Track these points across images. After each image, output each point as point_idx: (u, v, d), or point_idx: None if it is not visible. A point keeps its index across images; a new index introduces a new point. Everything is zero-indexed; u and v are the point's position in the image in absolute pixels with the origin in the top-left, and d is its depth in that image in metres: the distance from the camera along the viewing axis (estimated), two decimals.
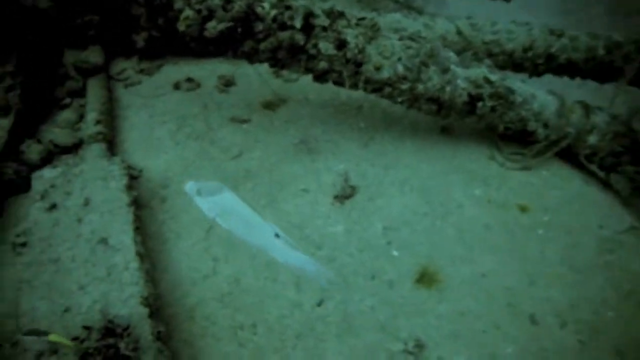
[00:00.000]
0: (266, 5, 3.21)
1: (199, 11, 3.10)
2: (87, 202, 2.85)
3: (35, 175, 3.03)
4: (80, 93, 4.09)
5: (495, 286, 3.14)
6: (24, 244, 2.84)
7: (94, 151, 3.37)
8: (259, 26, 3.21)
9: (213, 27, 3.09)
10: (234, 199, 1.87)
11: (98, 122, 3.63)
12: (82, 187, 2.94)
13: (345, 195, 3.60)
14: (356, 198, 3.62)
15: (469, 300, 3.03)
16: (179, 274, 2.91)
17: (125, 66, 4.56)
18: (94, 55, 4.35)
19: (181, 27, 3.05)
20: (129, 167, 3.40)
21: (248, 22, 3.18)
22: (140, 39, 4.38)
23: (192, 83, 4.34)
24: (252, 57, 3.40)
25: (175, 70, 4.58)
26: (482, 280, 3.16)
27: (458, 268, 3.21)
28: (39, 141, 3.48)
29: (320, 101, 4.48)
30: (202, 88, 4.38)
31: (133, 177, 3.38)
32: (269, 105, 4.31)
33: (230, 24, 3.11)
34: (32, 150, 3.39)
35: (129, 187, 3.00)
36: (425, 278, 3.16)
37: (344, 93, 4.47)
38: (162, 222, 3.21)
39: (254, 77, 4.51)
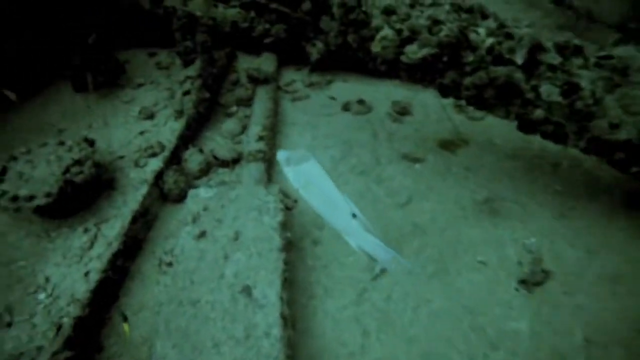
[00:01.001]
0: (482, 31, 2.54)
1: (399, 31, 2.57)
2: (236, 236, 2.51)
3: (192, 193, 2.81)
4: (248, 102, 3.89)
5: None
6: (170, 264, 2.63)
7: (252, 172, 3.08)
8: (469, 56, 2.56)
9: (413, 52, 2.53)
10: (318, 169, 1.79)
11: (260, 138, 3.35)
12: (235, 217, 2.62)
13: (534, 280, 2.77)
14: (548, 287, 2.77)
15: None
16: (322, 343, 2.41)
17: (295, 78, 4.29)
18: (267, 64, 4.14)
19: (376, 47, 2.56)
20: (284, 196, 3.04)
21: (456, 50, 2.55)
22: (315, 51, 4.05)
23: (363, 106, 3.86)
24: (449, 91, 2.77)
25: (346, 88, 4.16)
26: None
27: None
28: (201, 151, 3.30)
29: (508, 148, 3.67)
30: (374, 113, 3.88)
31: (287, 208, 3.01)
32: (448, 145, 3.63)
33: (435, 50, 2.52)
34: (194, 160, 3.23)
35: (283, 226, 2.59)
36: None
37: (538, 142, 3.58)
38: (311, 270, 2.76)
39: (434, 107, 3.89)
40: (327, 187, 1.77)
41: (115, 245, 2.64)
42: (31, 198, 2.77)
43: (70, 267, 2.72)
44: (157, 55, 4.59)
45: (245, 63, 4.38)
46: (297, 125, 3.76)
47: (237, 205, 2.69)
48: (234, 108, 3.86)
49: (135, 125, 3.66)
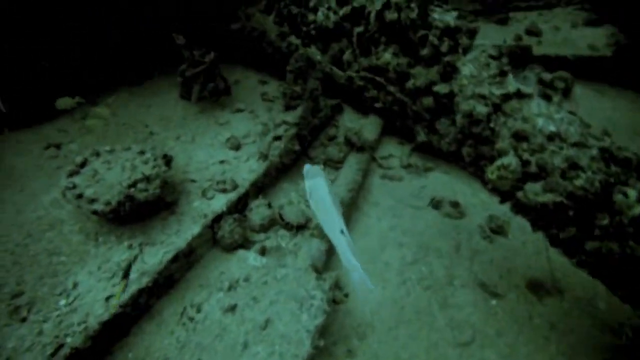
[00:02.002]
0: (633, 194, 2.04)
1: (525, 163, 2.16)
2: (265, 325, 2.22)
3: (241, 254, 2.60)
4: (337, 165, 3.64)
5: None
6: (191, 319, 2.41)
7: (312, 250, 2.79)
8: (604, 219, 2.06)
9: (534, 194, 2.10)
10: (323, 187, 2.04)
11: None
12: (273, 301, 2.34)
13: None
14: None
15: None
16: None
17: (394, 152, 3.97)
18: (370, 129, 3.88)
19: (491, 174, 2.16)
20: (337, 287, 2.71)
21: (590, 207, 2.07)
22: (422, 133, 3.70)
23: (455, 209, 3.43)
24: (562, 245, 2.28)
25: (444, 182, 3.75)
26: None
27: None
28: (269, 206, 3.09)
29: (613, 319, 3.01)
30: (465, 221, 3.42)
31: (335, 302, 2.68)
32: (537, 288, 3.07)
33: (562, 199, 2.07)
34: (259, 213, 3.02)
35: (320, 331, 2.26)
36: None
37: None
38: None
39: (534, 237, 3.33)
40: (326, 202, 2.00)
41: (145, 282, 2.47)
42: (92, 201, 2.73)
43: (99, 281, 2.61)
44: (267, 84, 4.55)
45: (349, 120, 4.16)
46: (379, 208, 3.42)
47: (281, 287, 2.41)
48: (321, 166, 3.62)
49: (219, 152, 3.57)
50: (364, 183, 3.57)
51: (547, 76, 3.13)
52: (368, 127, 3.93)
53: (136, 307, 2.46)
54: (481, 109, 2.20)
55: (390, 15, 2.27)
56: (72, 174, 2.88)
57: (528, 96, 2.20)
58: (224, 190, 3.16)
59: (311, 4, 2.48)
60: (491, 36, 5.31)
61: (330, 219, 1.95)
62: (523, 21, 6.27)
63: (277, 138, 3.35)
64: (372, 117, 4.10)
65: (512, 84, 2.19)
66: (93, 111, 3.61)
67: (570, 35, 5.62)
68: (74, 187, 2.79)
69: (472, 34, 2.36)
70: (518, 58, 4.68)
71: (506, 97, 2.17)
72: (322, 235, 2.91)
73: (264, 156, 3.34)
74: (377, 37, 2.34)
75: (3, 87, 3.39)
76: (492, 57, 2.27)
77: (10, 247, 2.84)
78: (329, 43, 2.53)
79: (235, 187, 3.17)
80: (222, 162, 3.46)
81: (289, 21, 2.59)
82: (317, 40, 2.54)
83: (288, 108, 3.62)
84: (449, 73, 2.30)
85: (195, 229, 2.80)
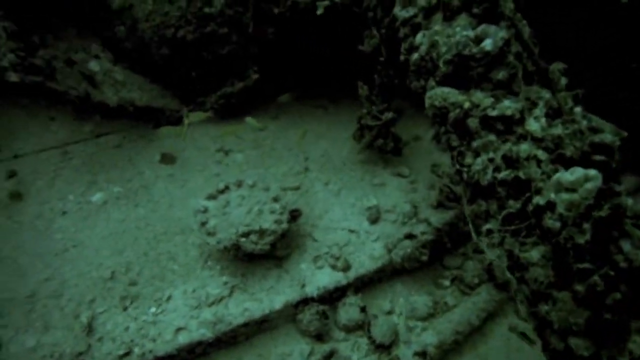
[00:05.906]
0: None
1: None
2: None
3: (295, 355, 2.44)
4: (465, 288, 3.08)
5: None
6: None
7: None
8: None
9: None
10: None
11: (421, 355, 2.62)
12: None
13: None
14: None
15: None
16: None
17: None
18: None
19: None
20: None
21: None
22: None
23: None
24: None
25: None
26: None
27: None
28: (363, 310, 2.83)
29: None
30: None
31: None
32: None
33: None
34: (348, 313, 2.82)
35: None
36: None
37: None
38: None
39: None
40: None
41: (207, 337, 2.58)
42: (209, 233, 2.91)
43: (185, 306, 2.83)
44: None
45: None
46: None
47: None
48: (447, 282, 3.13)
49: (355, 218, 3.37)
50: (485, 325, 2.95)
51: None
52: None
53: (191, 353, 2.60)
54: None
55: (549, 223, 1.63)
56: (209, 197, 3.11)
57: None
58: (334, 267, 3.02)
59: (475, 144, 1.97)
60: None
61: None
62: None
63: (409, 237, 2.98)
64: None
65: None
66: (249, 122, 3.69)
67: None
68: (205, 211, 3.02)
69: None
70: None
71: None
72: None
73: (388, 250, 3.03)
74: (533, 226, 1.74)
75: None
76: None
77: (150, 237, 3.28)
78: (476, 196, 2.01)
79: (346, 268, 3.00)
80: (351, 231, 3.28)
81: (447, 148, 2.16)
82: (467, 186, 2.04)
83: (439, 205, 3.17)
84: None
85: (278, 304, 2.76)
